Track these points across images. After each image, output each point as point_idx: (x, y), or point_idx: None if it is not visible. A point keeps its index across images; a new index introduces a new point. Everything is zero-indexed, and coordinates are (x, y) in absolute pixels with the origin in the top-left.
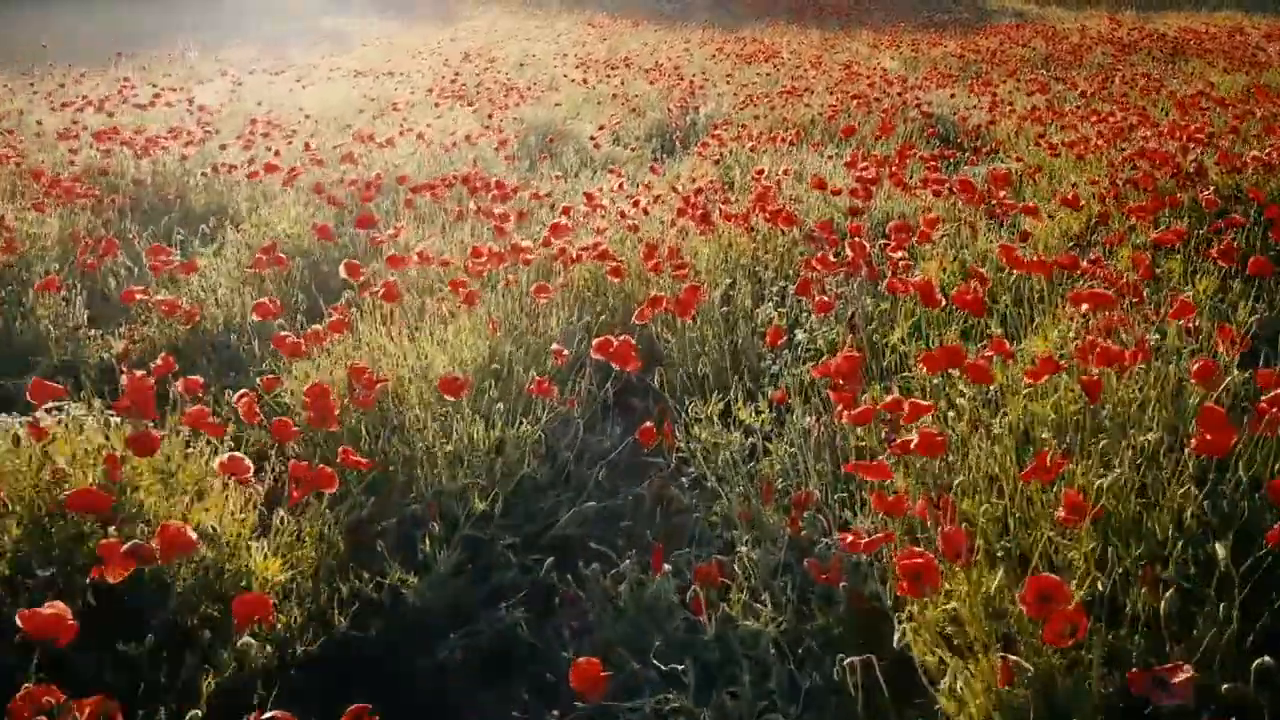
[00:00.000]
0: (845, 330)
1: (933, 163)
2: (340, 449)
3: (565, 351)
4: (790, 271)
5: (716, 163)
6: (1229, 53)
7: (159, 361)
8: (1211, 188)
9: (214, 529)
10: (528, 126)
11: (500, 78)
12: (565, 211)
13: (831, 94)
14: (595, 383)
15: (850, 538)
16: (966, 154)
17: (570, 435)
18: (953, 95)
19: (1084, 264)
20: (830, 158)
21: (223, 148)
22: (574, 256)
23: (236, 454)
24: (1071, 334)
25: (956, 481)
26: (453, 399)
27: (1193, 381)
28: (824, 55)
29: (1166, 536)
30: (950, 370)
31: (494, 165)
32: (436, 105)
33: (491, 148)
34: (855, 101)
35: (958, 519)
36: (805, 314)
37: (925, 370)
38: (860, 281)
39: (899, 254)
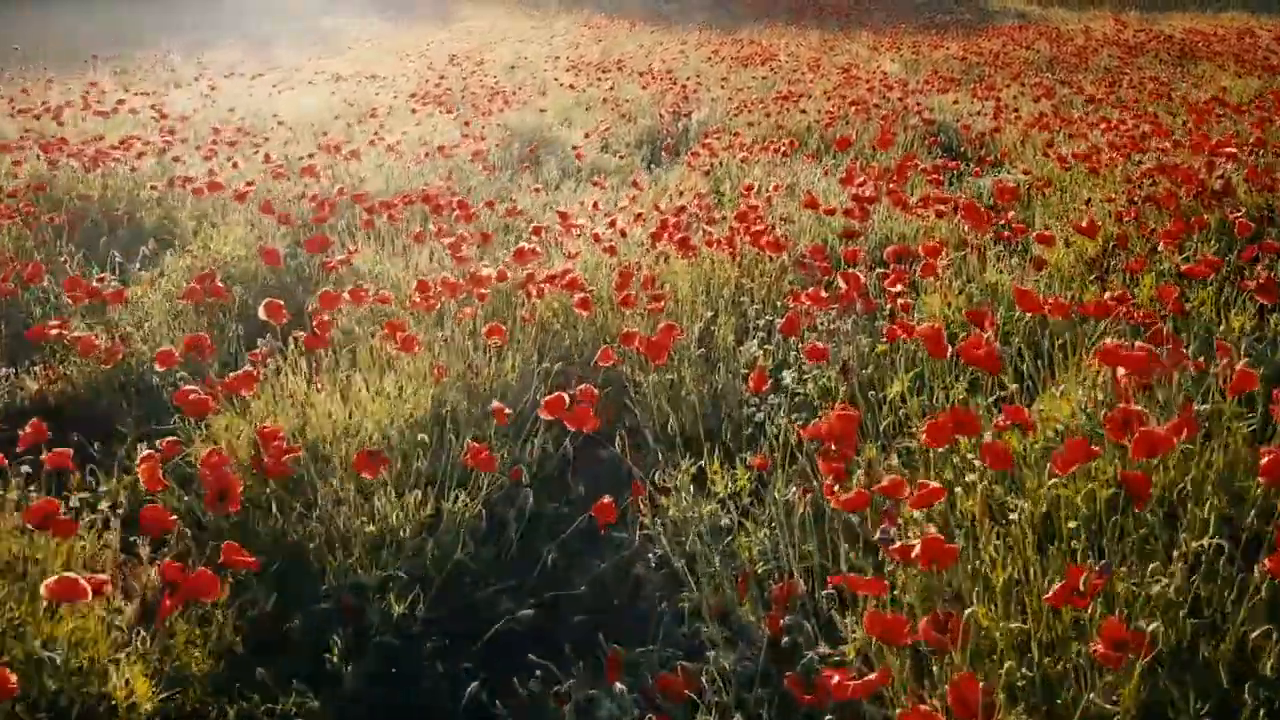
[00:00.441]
0: (838, 376)
1: (935, 175)
2: (225, 545)
3: (508, 411)
4: (778, 302)
5: (706, 173)
6: (1239, 55)
7: (28, 429)
8: (1242, 209)
9: (52, 659)
10: (511, 134)
11: (488, 81)
12: (536, 232)
13: (829, 99)
14: (555, 435)
15: (837, 678)
16: (970, 164)
17: (519, 503)
18: (955, 101)
19: (1107, 298)
20: (826, 171)
21: (176, 160)
22: (538, 289)
23: (70, 575)
24: (1100, 394)
25: (967, 587)
26: (370, 477)
27: (1261, 480)
28: (822, 58)
29: (1232, 676)
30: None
31: (471, 177)
32: (414, 112)
33: (469, 158)
34: (854, 108)
35: (971, 639)
36: (794, 352)
37: (928, 442)
38: (855, 319)
39: (898, 287)
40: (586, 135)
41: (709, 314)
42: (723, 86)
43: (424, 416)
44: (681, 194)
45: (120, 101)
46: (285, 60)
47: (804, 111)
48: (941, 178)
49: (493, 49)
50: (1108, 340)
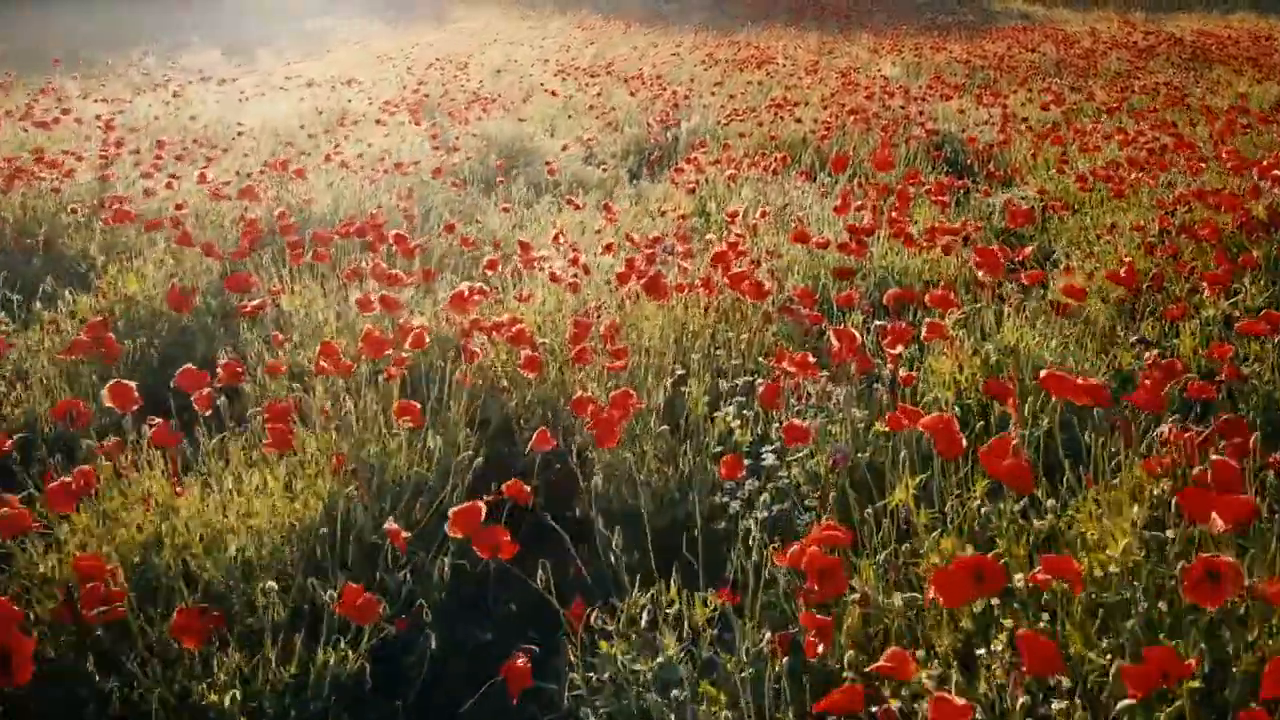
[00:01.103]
0: (826, 469)
1: (940, 197)
2: None
3: (404, 534)
4: (760, 358)
5: (691, 191)
6: (1255, 59)
7: None
8: None
9: None
10: (488, 144)
11: (471, 86)
12: (491, 266)
13: (826, 107)
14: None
15: None
16: (978, 181)
17: (420, 648)
18: (961, 110)
19: (1149, 360)
20: (823, 191)
21: (105, 179)
22: (473, 354)
23: None
24: (1158, 507)
25: None
26: (192, 648)
27: None
28: (821, 60)
29: None
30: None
31: (434, 194)
32: (378, 123)
33: (431, 173)
34: (852, 117)
35: None
36: (776, 424)
37: (941, 598)
38: (848, 391)
39: (898, 349)
40: (565, 148)
41: (680, 370)
42: (714, 93)
43: (313, 521)
44: (663, 214)
45: (65, 110)
46: (268, 63)
47: (799, 121)
48: (947, 199)
49: (483, 51)
50: (1165, 429)
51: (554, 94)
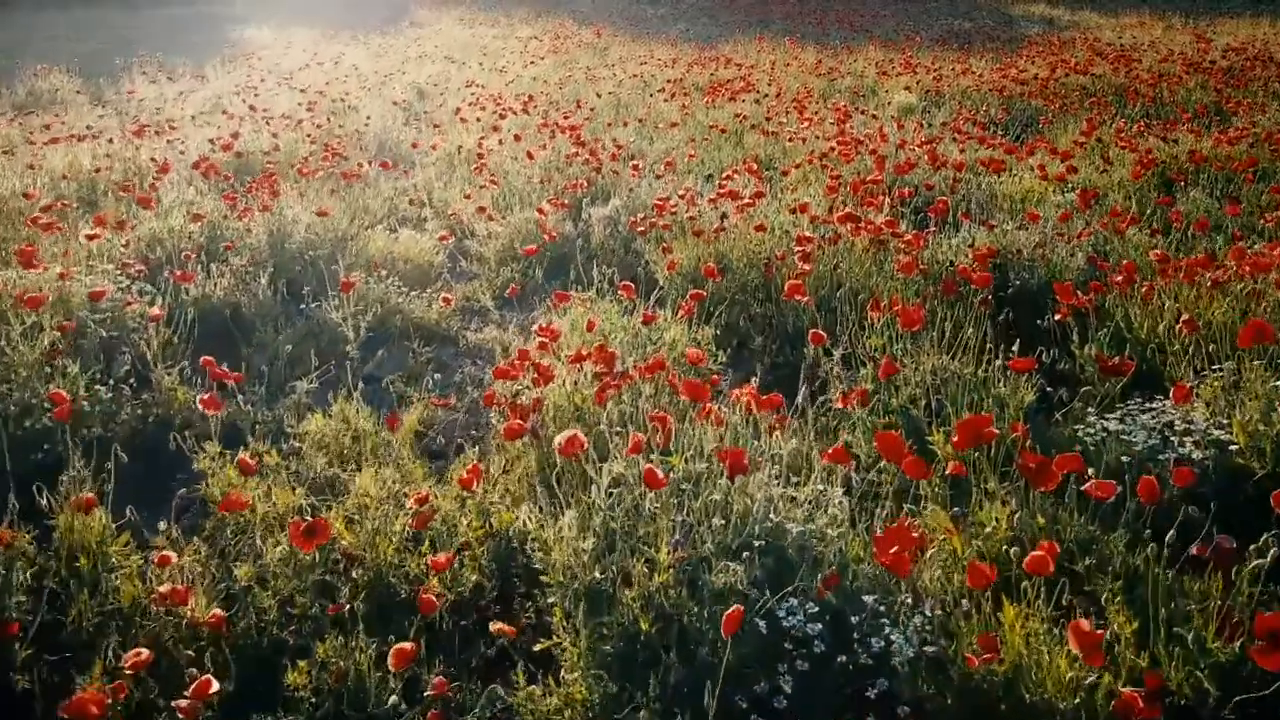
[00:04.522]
0: None
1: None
2: None
3: None
4: None
5: (518, 432)
6: None
7: None
8: None
9: None
10: (275, 250)
11: (348, 129)
12: None
13: (803, 212)
14: None
15: None
16: (1080, 376)
17: None
18: (1028, 197)
19: None
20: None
21: None
22: None
23: None
24: None
25: None
26: None
27: None
28: (816, 85)
29: None
30: None
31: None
32: (97, 219)
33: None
34: (850, 226)
35: None
36: None
37: None
38: None
39: None
40: (357, 271)
41: None
42: (644, 154)
43: None
44: (436, 516)
45: None
46: (132, 87)
47: (762, 229)
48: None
49: (403, 70)
50: None
51: (418, 147)
